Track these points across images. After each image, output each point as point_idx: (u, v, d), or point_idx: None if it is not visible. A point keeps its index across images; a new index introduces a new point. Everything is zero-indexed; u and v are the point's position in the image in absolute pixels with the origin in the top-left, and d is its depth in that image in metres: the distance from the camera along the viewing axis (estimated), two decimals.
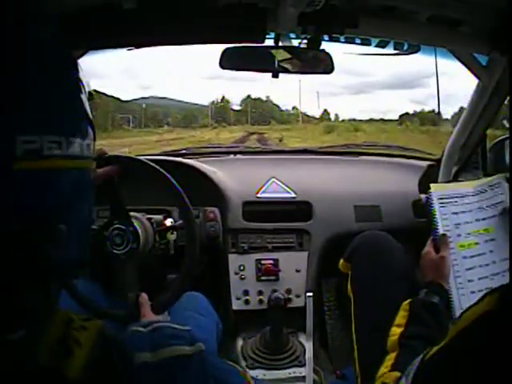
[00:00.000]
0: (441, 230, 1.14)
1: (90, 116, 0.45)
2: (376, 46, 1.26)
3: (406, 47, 1.31)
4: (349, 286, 1.17)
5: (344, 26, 1.02)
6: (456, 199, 1.18)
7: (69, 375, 0.38)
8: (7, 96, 0.36)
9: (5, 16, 0.38)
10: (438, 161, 1.59)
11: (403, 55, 1.34)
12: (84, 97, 0.44)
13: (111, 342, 0.42)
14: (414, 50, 1.32)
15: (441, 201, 1.18)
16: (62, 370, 0.38)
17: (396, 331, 0.91)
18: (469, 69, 1.26)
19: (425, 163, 1.70)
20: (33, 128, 0.37)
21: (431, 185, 1.23)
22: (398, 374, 0.75)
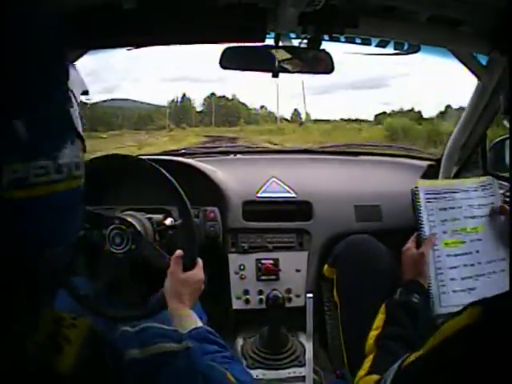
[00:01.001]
0: (426, 226, 1.11)
1: (79, 129, 0.43)
2: (376, 46, 1.26)
3: (406, 47, 1.31)
4: (334, 292, 1.17)
5: (344, 26, 1.02)
6: (445, 195, 1.15)
7: (59, 371, 0.38)
8: None
9: (5, 17, 0.37)
10: (438, 161, 1.59)
11: (403, 55, 1.34)
12: (73, 109, 0.42)
13: (101, 340, 0.43)
14: (414, 49, 1.32)
15: (428, 196, 1.14)
16: (52, 366, 0.38)
17: (373, 334, 0.91)
18: (469, 69, 1.26)
19: (425, 163, 1.70)
20: (19, 155, 0.36)
21: (418, 180, 1.20)
22: (374, 377, 0.74)
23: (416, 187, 1.16)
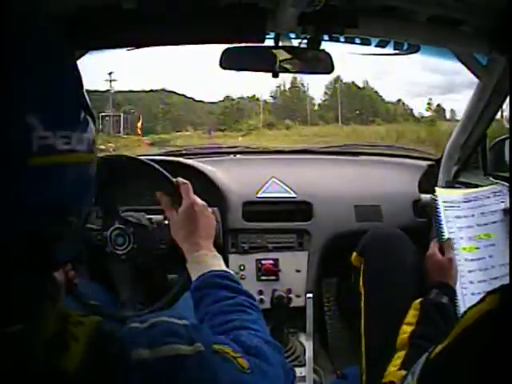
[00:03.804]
0: (446, 232, 1.16)
1: (92, 110, 0.46)
2: (376, 46, 1.26)
3: (406, 47, 1.31)
4: (360, 281, 1.17)
5: (344, 26, 1.02)
6: (459, 204, 1.21)
7: (66, 369, 0.38)
8: (20, 95, 0.38)
9: (8, 16, 0.38)
10: (438, 161, 1.59)
11: (403, 55, 1.34)
12: (85, 92, 0.46)
13: (108, 338, 0.42)
14: (414, 49, 1.32)
15: (445, 204, 1.21)
16: (58, 364, 0.38)
17: (406, 330, 0.92)
18: (469, 69, 1.26)
19: (425, 163, 1.70)
20: (46, 124, 0.39)
21: (436, 189, 1.26)
22: (404, 372, 0.75)
23: (435, 196, 1.22)
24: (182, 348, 0.45)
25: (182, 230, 0.85)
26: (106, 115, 22.76)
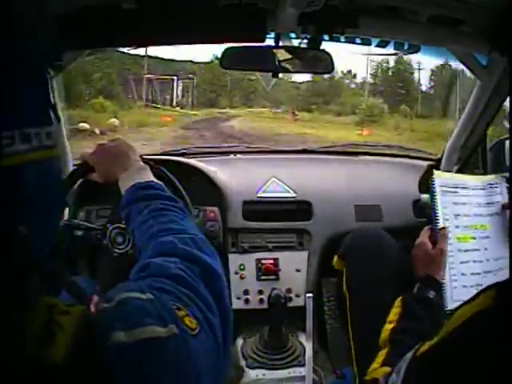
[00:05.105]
0: (440, 219, 1.10)
1: (51, 99, 0.42)
2: (376, 46, 1.26)
3: (406, 47, 1.31)
4: (344, 284, 1.17)
5: (344, 26, 1.02)
6: (457, 189, 1.15)
7: (52, 360, 0.37)
8: None
9: None
10: (438, 161, 1.59)
11: (403, 55, 1.35)
12: (47, 80, 0.42)
13: (91, 326, 0.42)
14: (414, 49, 1.32)
15: (442, 188, 1.13)
16: (45, 355, 0.37)
17: (388, 327, 0.91)
18: (469, 69, 1.26)
19: (425, 163, 1.69)
20: None
21: (435, 171, 1.18)
22: (388, 369, 0.74)
23: (432, 179, 1.14)
24: (157, 330, 0.44)
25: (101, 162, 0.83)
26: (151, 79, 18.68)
